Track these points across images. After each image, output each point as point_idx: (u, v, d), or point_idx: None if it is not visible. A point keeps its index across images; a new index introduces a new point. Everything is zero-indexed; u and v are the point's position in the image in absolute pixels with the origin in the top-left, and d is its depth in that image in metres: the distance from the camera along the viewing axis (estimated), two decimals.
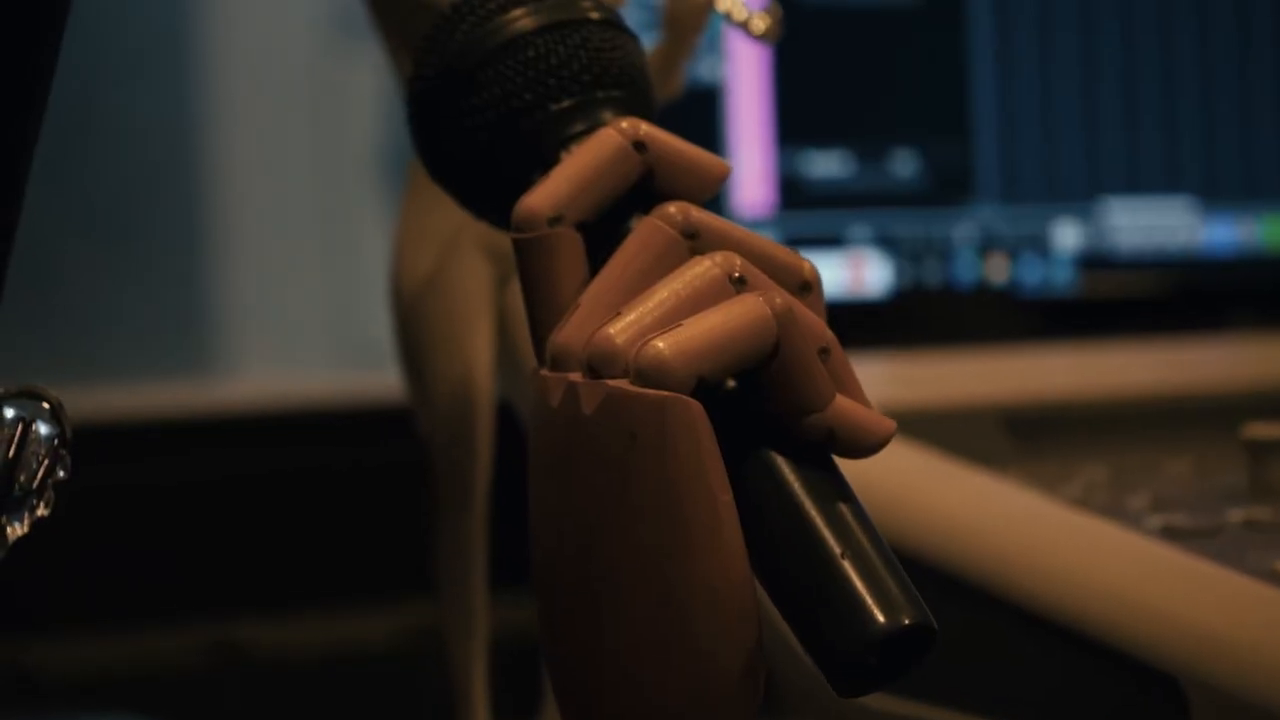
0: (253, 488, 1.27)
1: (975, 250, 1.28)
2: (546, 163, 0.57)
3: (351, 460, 1.28)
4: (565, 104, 0.58)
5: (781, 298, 0.50)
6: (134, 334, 1.32)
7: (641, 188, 0.56)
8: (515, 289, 0.75)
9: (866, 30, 1.26)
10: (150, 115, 1.31)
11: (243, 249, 1.34)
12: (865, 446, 0.52)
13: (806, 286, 0.54)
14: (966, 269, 1.28)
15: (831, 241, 1.25)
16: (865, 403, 0.53)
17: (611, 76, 0.58)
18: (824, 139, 1.25)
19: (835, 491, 0.51)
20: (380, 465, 1.26)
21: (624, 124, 0.55)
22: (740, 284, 0.51)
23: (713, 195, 0.57)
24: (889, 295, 1.26)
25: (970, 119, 1.28)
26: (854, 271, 1.25)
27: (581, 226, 0.55)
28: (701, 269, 0.51)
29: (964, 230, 1.28)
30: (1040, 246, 1.30)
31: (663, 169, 0.55)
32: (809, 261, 0.55)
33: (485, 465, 0.76)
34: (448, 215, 0.69)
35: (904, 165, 1.26)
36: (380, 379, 1.31)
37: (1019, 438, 0.94)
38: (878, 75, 1.26)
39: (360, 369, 1.35)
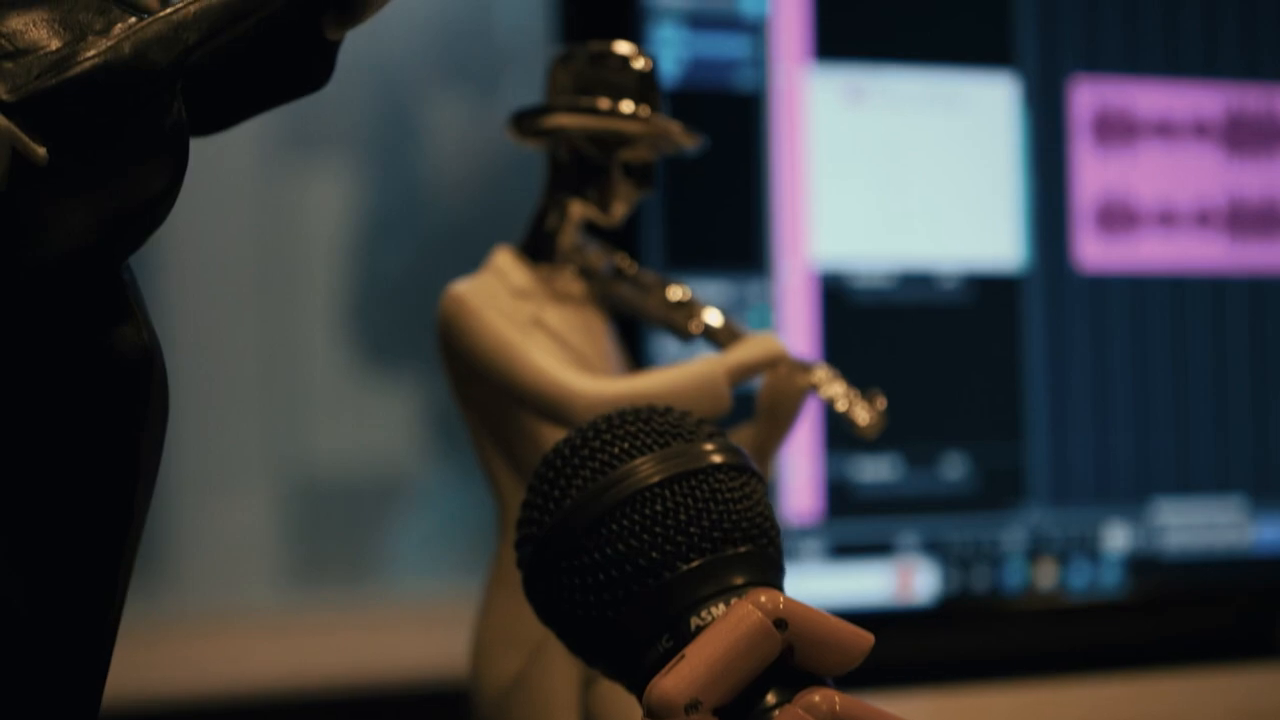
0: None
1: (1024, 555, 1.25)
2: (672, 625, 0.54)
3: None
4: (694, 563, 0.54)
5: None
6: None
7: (779, 662, 0.52)
8: (599, 690, 0.72)
9: (917, 329, 1.23)
10: None
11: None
12: None
13: None
14: (1014, 574, 1.25)
15: (880, 549, 1.21)
16: None
17: (741, 531, 0.55)
18: (873, 443, 1.21)
19: None
20: None
21: (763, 598, 0.52)
22: None
23: (853, 669, 0.53)
24: (936, 603, 1.23)
25: (1022, 420, 1.25)
26: (902, 579, 1.21)
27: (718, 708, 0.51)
28: None
29: (1013, 534, 1.24)
30: (1089, 549, 1.27)
31: (803, 645, 0.52)
32: None
33: None
34: (535, 619, 0.65)
35: (954, 468, 1.23)
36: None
37: None
38: (929, 375, 1.23)
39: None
